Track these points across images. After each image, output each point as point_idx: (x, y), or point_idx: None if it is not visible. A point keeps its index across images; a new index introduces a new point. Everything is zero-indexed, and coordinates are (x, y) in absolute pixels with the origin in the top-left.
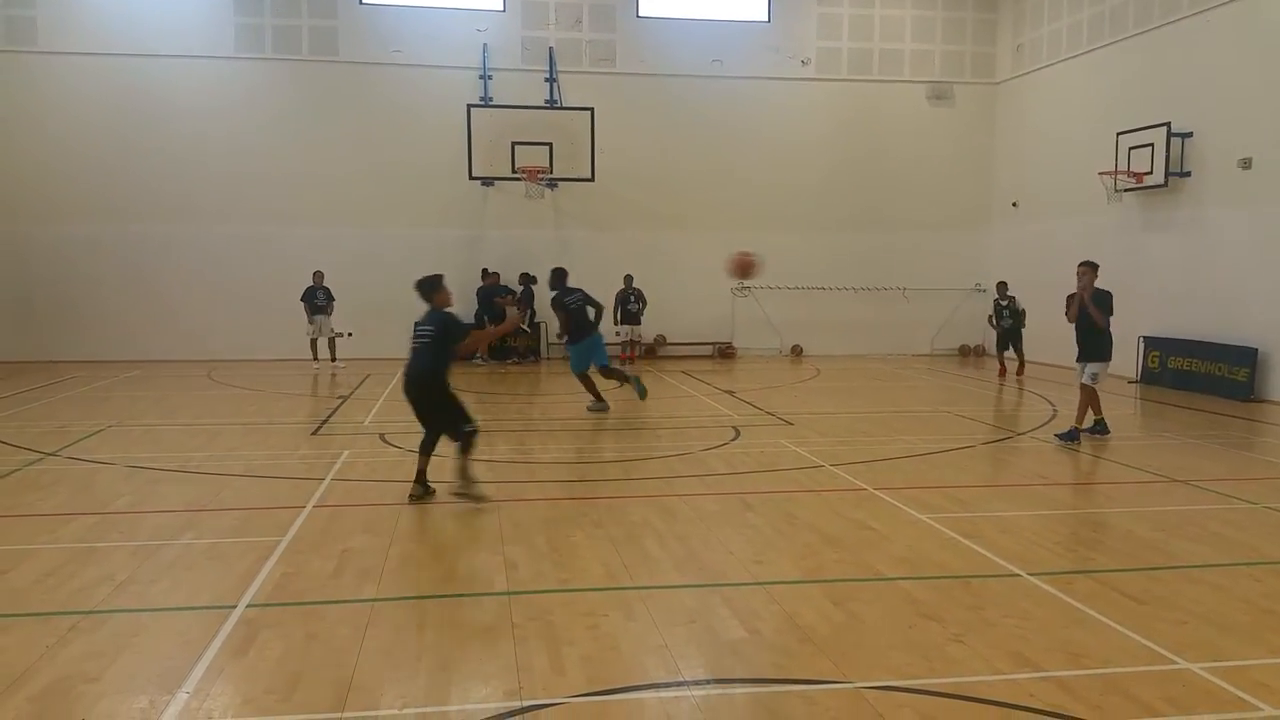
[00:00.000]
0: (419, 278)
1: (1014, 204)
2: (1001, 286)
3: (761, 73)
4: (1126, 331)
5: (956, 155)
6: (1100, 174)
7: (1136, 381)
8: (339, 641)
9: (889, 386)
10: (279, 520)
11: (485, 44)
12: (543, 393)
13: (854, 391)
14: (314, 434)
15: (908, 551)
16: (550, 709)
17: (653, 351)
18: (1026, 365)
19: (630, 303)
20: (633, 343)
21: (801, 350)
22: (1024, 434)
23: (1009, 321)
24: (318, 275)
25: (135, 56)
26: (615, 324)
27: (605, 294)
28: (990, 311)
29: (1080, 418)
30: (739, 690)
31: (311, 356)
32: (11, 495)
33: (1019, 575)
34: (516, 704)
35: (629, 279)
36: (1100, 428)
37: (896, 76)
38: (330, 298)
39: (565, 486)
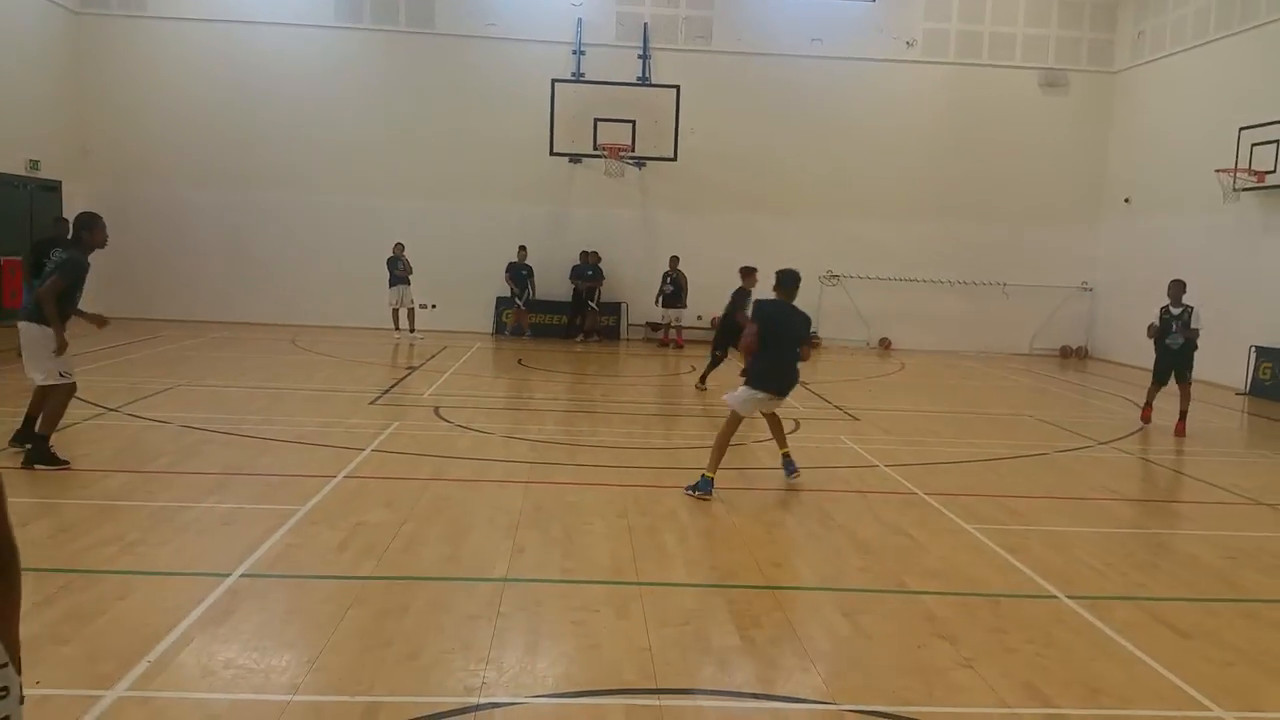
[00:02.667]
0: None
1: (1126, 200)
2: (1176, 288)
3: (863, 54)
4: (1237, 340)
5: (1067, 147)
6: (1218, 171)
7: (1244, 393)
8: (318, 619)
9: (974, 386)
10: (305, 489)
11: (580, 19)
12: (610, 374)
13: (935, 389)
14: (372, 403)
15: (941, 564)
16: (504, 709)
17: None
18: (1188, 414)
19: (668, 285)
20: (672, 327)
21: (890, 343)
22: (1106, 443)
23: (1178, 341)
24: (398, 246)
25: (238, 23)
26: (657, 306)
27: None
28: (1153, 321)
29: None
30: (710, 704)
31: (393, 326)
32: (62, 448)
33: (1055, 597)
34: (472, 701)
35: (674, 260)
36: None
37: (1007, 62)
38: (409, 268)
39: (601, 471)
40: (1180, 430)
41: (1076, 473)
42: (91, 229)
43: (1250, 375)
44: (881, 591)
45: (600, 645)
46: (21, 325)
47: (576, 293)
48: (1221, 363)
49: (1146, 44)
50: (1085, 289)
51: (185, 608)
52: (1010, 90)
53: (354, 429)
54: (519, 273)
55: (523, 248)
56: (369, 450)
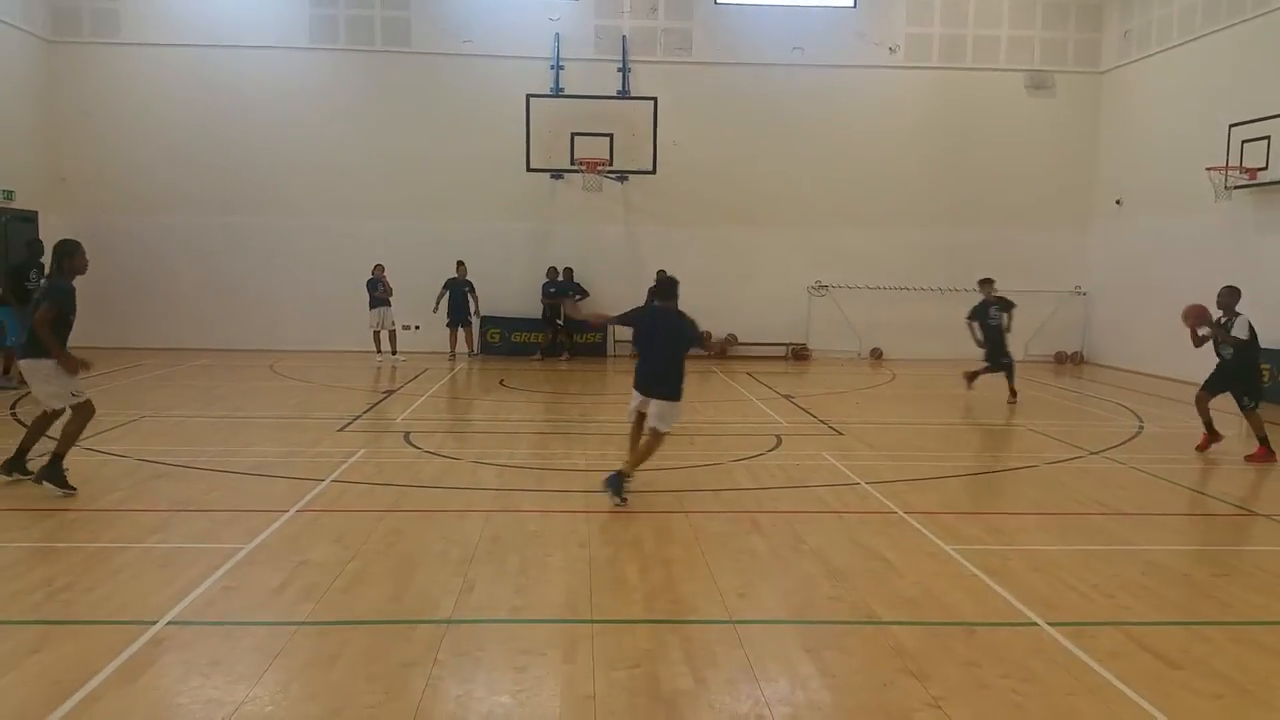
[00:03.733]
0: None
1: (1117, 201)
2: (1228, 297)
3: (846, 61)
4: None
5: (1056, 149)
6: (1209, 170)
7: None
8: (240, 671)
9: (965, 395)
10: (253, 525)
11: (558, 33)
12: (592, 393)
13: (925, 400)
14: (340, 430)
15: (916, 590)
16: None
17: (723, 352)
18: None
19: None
20: None
21: (881, 354)
22: (1098, 453)
23: (1228, 352)
24: (378, 268)
25: (213, 48)
26: None
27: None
28: (1210, 329)
29: None
30: None
31: (375, 349)
32: (9, 486)
33: (1036, 625)
34: None
35: (661, 274)
36: None
37: (992, 64)
38: (389, 290)
39: (568, 498)
40: (1265, 451)
41: (1065, 485)
42: (72, 256)
43: None
44: (850, 623)
45: (539, 693)
46: (23, 364)
47: (546, 310)
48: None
49: (1133, 43)
50: (1079, 293)
51: (100, 661)
52: (996, 93)
53: (317, 458)
54: (459, 289)
55: (461, 263)
56: (328, 481)
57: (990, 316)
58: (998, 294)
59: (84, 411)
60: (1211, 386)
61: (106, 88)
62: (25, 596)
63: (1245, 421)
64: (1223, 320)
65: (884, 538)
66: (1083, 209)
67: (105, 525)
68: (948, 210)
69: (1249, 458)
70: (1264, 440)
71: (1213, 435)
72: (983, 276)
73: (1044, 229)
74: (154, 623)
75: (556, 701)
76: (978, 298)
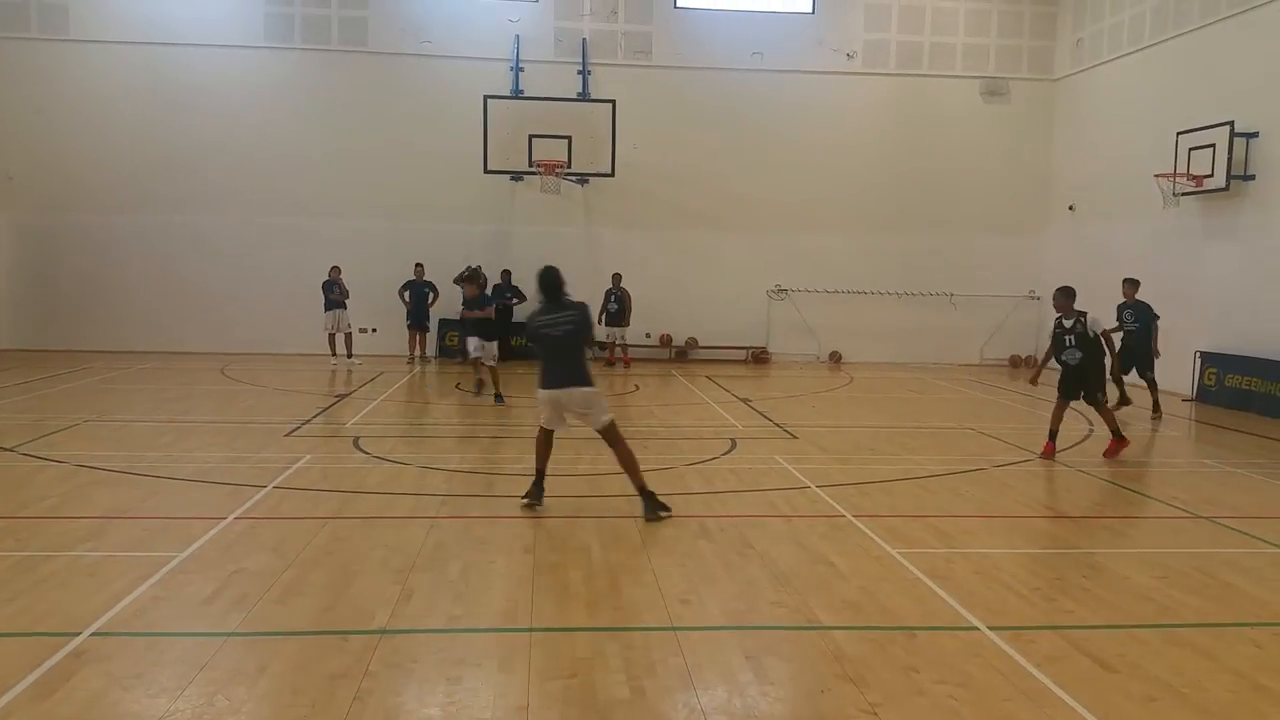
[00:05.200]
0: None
1: (1070, 207)
2: (1064, 299)
3: (804, 66)
4: (1181, 345)
5: (1011, 155)
6: (1157, 176)
7: (1191, 400)
8: (162, 684)
9: (921, 398)
10: (189, 533)
11: (517, 35)
12: None
13: (880, 403)
14: (288, 435)
15: (859, 594)
16: None
17: (684, 355)
18: None
19: (611, 303)
20: (616, 345)
21: (840, 357)
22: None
23: (1076, 357)
24: (334, 270)
25: (165, 45)
26: (600, 324)
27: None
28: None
29: None
30: None
31: (330, 352)
32: None
33: (976, 629)
34: None
35: (616, 278)
36: None
37: (948, 71)
38: (346, 293)
39: (515, 503)
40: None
41: (1012, 488)
42: None
43: (1196, 381)
44: (791, 628)
45: (471, 706)
46: None
47: (498, 311)
48: (1167, 369)
49: (1085, 51)
50: (1033, 298)
51: (15, 675)
52: (952, 100)
53: (261, 464)
54: (419, 290)
55: (419, 265)
56: (270, 487)
57: (1125, 320)
58: (1138, 297)
59: None
60: (1067, 394)
61: (55, 85)
62: None
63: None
64: (1065, 322)
65: (831, 541)
66: (1037, 214)
67: (33, 533)
68: (905, 215)
69: (1107, 454)
70: (1117, 432)
71: (1053, 441)
72: (1127, 276)
73: (999, 234)
74: (76, 634)
75: (488, 713)
76: (932, 301)
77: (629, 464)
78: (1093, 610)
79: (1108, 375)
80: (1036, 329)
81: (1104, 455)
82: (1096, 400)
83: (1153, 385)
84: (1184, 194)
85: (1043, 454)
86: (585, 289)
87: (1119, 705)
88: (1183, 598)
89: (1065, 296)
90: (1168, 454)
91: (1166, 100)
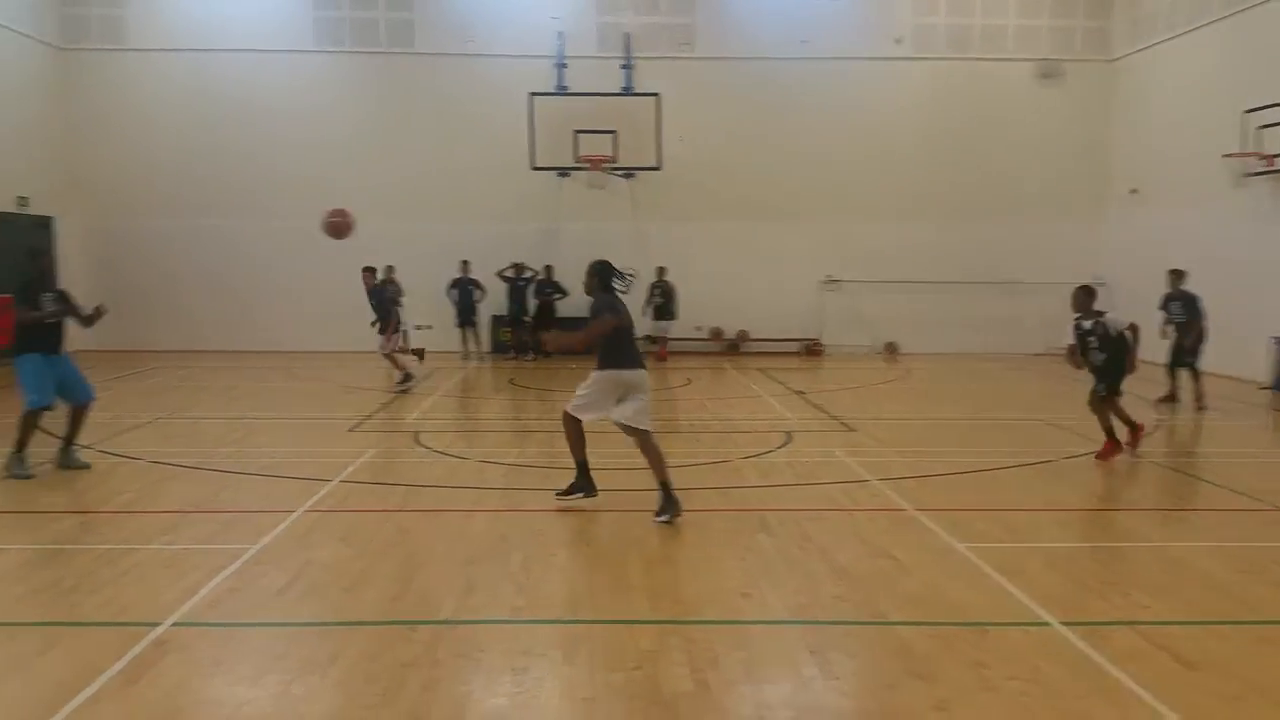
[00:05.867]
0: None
1: (1132, 191)
2: (1085, 298)
3: (851, 53)
4: (1255, 331)
5: (1068, 139)
6: (1225, 157)
7: (1269, 388)
8: (240, 672)
9: (984, 389)
10: (260, 525)
11: (560, 31)
12: None
13: (940, 395)
14: (351, 431)
15: (924, 589)
16: None
17: (735, 348)
18: None
19: (656, 297)
20: (659, 339)
21: (897, 348)
22: None
23: (1101, 358)
24: (388, 269)
25: (220, 51)
26: (645, 318)
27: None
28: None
29: None
30: None
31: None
32: (26, 490)
33: (1048, 624)
34: None
35: (661, 271)
36: None
37: (1000, 54)
38: (401, 292)
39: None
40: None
41: (1083, 481)
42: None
43: (1274, 368)
44: (855, 623)
45: (538, 696)
46: None
47: (540, 308)
48: (1241, 355)
49: (1144, 29)
50: (1099, 283)
51: (103, 663)
52: (1005, 83)
53: (326, 459)
54: (466, 287)
55: (465, 262)
56: (336, 481)
57: (1172, 312)
58: (1183, 288)
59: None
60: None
61: (117, 93)
62: (33, 598)
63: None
64: (1085, 324)
65: (893, 536)
66: (1096, 199)
67: (115, 527)
68: (960, 201)
69: (1100, 456)
70: (1111, 434)
71: (1113, 439)
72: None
73: (1057, 219)
74: (158, 624)
75: (554, 704)
76: (990, 289)
77: (655, 459)
78: (1170, 605)
79: (1125, 374)
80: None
81: (1095, 457)
82: (1098, 396)
83: (1196, 376)
84: (1253, 174)
85: (1101, 454)
86: (637, 284)
87: (1201, 704)
88: (1268, 594)
89: (1086, 295)
90: (1244, 444)
91: (1232, 78)
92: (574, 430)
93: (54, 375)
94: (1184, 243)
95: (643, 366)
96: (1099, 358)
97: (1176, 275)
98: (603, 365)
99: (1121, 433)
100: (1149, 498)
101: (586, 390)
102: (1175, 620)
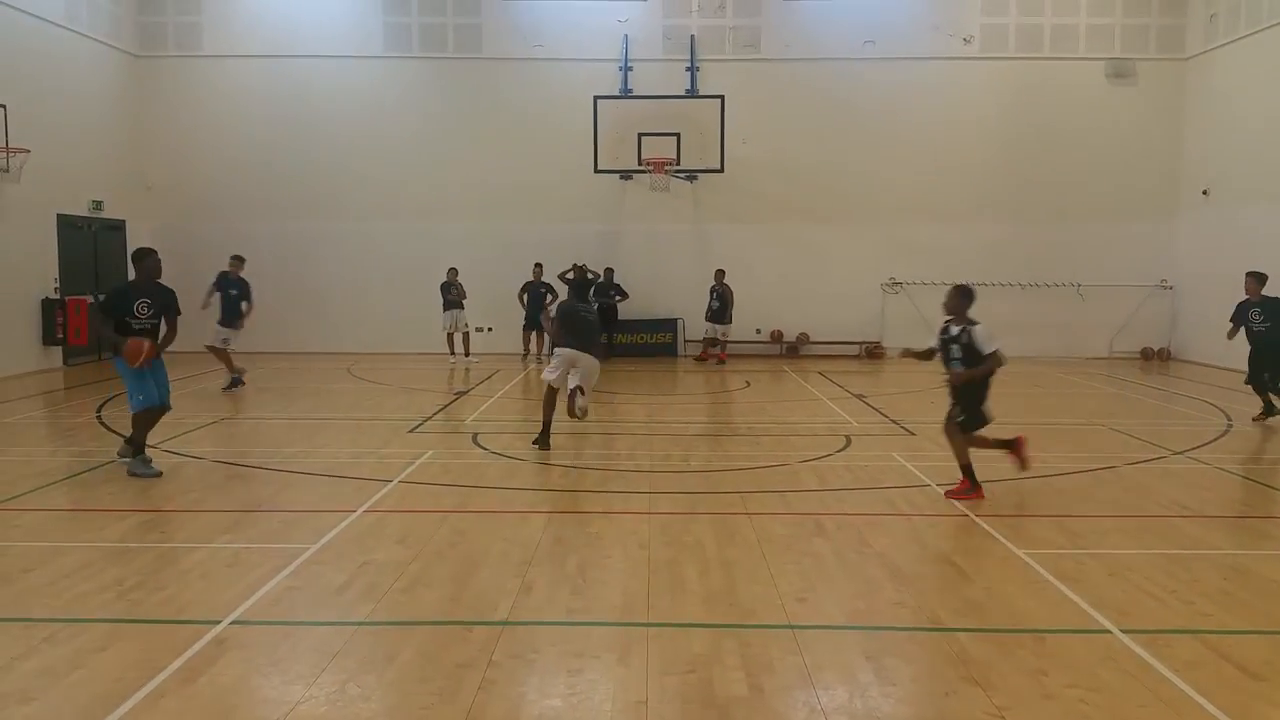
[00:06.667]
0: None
1: (1204, 192)
2: (958, 300)
3: (919, 53)
4: None
5: (1139, 139)
6: None
7: None
8: (299, 671)
9: (1045, 394)
10: (320, 525)
11: (626, 35)
12: (663, 393)
13: (1003, 398)
14: (410, 431)
15: (984, 595)
16: None
17: (795, 351)
18: None
19: (714, 300)
20: (714, 341)
21: None
22: (1182, 453)
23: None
24: (451, 271)
25: (290, 58)
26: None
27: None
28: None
29: None
30: None
31: (448, 351)
32: (89, 488)
33: (1109, 632)
34: None
35: (719, 274)
36: None
37: (1071, 54)
38: (463, 293)
39: (631, 498)
40: None
41: (1146, 487)
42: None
43: None
44: (913, 629)
45: (592, 698)
46: None
47: (601, 310)
48: None
49: (1220, 27)
50: (1165, 287)
51: (164, 660)
52: (1076, 83)
53: (386, 459)
54: (536, 291)
55: (538, 265)
56: (395, 481)
57: (1252, 320)
58: (1264, 293)
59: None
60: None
61: (190, 99)
62: (96, 596)
63: None
64: (951, 327)
65: (953, 541)
66: (1167, 200)
67: (177, 526)
68: (1027, 203)
69: (951, 494)
70: (967, 470)
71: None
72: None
73: (1127, 221)
74: (218, 622)
75: (608, 706)
76: (1054, 292)
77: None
78: (1235, 615)
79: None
80: (1169, 320)
81: (946, 495)
82: (954, 423)
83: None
84: None
85: (954, 493)
86: (693, 285)
87: (1266, 715)
88: None
89: (962, 298)
90: None
91: None
92: (547, 395)
93: (152, 377)
94: (1258, 245)
95: (585, 350)
96: (958, 368)
97: (1256, 279)
98: (554, 345)
99: (1005, 458)
100: (1214, 504)
101: (552, 363)
102: (1239, 630)
